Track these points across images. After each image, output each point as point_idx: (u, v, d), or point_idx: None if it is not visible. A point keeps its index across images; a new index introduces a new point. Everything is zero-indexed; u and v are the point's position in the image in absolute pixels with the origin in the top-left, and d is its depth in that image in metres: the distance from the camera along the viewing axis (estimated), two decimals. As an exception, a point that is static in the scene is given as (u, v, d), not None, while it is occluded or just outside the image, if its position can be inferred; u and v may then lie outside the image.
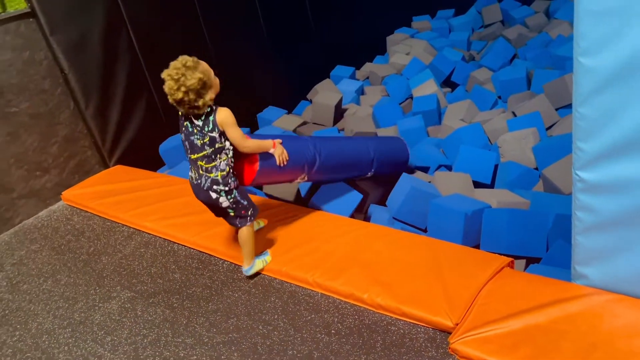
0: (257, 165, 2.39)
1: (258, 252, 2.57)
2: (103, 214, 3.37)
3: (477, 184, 3.33)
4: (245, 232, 2.43)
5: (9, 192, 3.41)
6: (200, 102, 2.13)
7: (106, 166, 3.97)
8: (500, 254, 2.36)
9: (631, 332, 1.81)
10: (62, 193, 3.66)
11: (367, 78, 5.69)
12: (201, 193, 2.33)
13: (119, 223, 3.25)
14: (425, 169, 3.60)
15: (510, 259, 2.30)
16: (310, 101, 5.29)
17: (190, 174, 2.36)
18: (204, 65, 2.17)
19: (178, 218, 3.06)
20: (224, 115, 2.20)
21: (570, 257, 2.09)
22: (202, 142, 2.21)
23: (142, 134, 4.10)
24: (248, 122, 4.84)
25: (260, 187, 3.48)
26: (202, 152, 2.22)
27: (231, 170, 2.30)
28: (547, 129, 3.73)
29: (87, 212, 3.47)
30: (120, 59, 3.94)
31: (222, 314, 2.35)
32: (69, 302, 2.64)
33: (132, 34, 3.99)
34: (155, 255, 2.88)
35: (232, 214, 2.38)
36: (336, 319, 2.21)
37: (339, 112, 4.77)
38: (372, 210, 3.17)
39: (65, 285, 2.77)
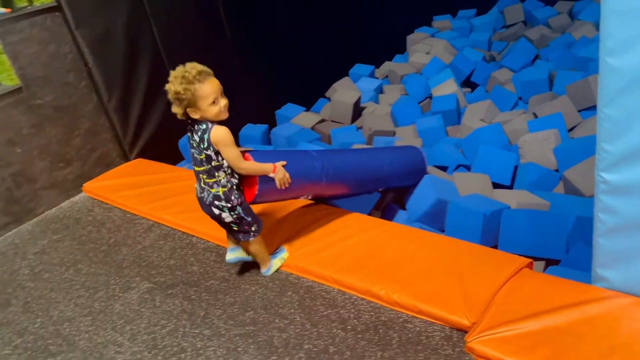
0: (255, 189, 2.27)
1: (273, 250, 2.57)
2: (123, 206, 3.42)
3: (496, 185, 3.31)
4: (253, 247, 2.40)
5: (32, 182, 3.48)
6: (173, 109, 2.07)
7: (127, 159, 4.03)
8: (519, 255, 2.35)
9: (652, 336, 1.79)
10: (84, 185, 3.72)
11: (386, 77, 5.68)
12: (205, 207, 2.27)
13: (138, 215, 3.30)
14: (443, 169, 3.58)
15: (530, 260, 2.29)
16: (329, 99, 5.30)
17: (195, 185, 2.30)
18: (201, 86, 2.02)
19: (197, 211, 3.03)
20: (218, 135, 2.08)
21: (590, 259, 2.07)
22: (200, 157, 2.14)
23: (162, 129, 4.14)
24: (266, 118, 4.88)
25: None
26: (202, 166, 2.17)
27: (233, 187, 2.20)
28: (569, 130, 3.68)
29: (107, 204, 3.52)
30: (142, 53, 3.99)
31: (239, 306, 2.38)
32: (89, 291, 2.68)
33: (154, 29, 4.04)
34: (174, 247, 2.91)
35: (235, 228, 2.32)
36: (352, 315, 2.22)
37: (357, 110, 4.78)
38: (389, 208, 3.18)
39: (86, 275, 2.82)
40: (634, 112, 1.69)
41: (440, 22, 6.67)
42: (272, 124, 4.95)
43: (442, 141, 3.95)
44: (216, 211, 2.23)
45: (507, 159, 3.33)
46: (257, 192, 2.27)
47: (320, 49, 5.54)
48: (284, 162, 2.33)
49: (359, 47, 5.92)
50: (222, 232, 2.85)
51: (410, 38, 6.33)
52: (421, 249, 2.46)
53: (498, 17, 6.48)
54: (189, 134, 2.17)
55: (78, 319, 2.50)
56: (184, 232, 3.03)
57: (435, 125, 4.14)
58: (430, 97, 4.88)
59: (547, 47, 5.30)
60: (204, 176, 2.17)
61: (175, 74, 2.04)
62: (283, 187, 2.32)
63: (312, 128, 4.65)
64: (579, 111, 3.79)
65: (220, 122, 2.13)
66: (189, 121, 2.13)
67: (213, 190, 2.18)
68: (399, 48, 6.33)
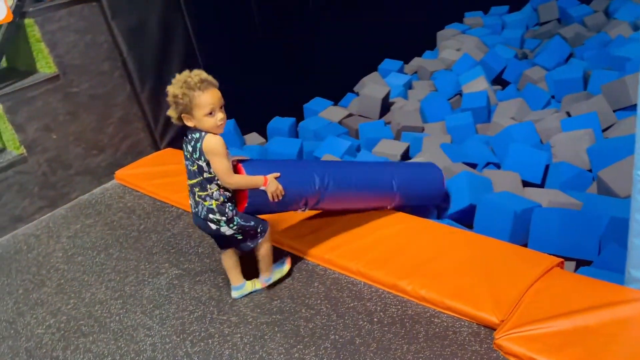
0: (245, 203, 2.16)
1: (276, 259, 2.45)
2: (153, 194, 3.48)
3: (526, 184, 3.26)
4: (263, 249, 2.29)
5: (67, 168, 3.57)
6: (169, 112, 2.03)
7: (157, 148, 4.09)
8: (549, 255, 2.32)
9: (687, 340, 1.75)
10: (115, 172, 3.80)
11: (416, 73, 5.64)
12: (200, 222, 2.17)
13: (168, 203, 3.35)
14: (472, 166, 3.55)
15: (561, 259, 2.25)
16: (357, 94, 5.29)
17: (189, 200, 2.21)
18: (200, 94, 1.95)
19: (225, 201, 3.12)
20: (211, 144, 1.99)
21: (623, 261, 2.04)
22: (192, 169, 2.07)
23: (193, 119, 4.19)
24: (294, 112, 4.89)
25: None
26: (194, 178, 2.09)
27: (226, 200, 2.11)
28: (604, 130, 3.61)
29: (138, 191, 3.59)
30: (175, 45, 4.04)
31: (266, 295, 2.40)
32: (120, 275, 2.75)
33: (187, 21, 4.08)
34: (203, 235, 2.95)
35: (239, 237, 2.22)
36: (379, 308, 2.22)
37: (385, 106, 4.76)
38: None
39: (117, 260, 2.88)
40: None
41: (472, 18, 6.60)
42: (300, 117, 4.97)
43: (472, 138, 3.91)
44: (213, 226, 2.13)
45: (539, 158, 3.28)
46: (246, 205, 2.16)
47: (349, 44, 5.53)
48: (277, 174, 2.20)
49: (388, 43, 5.89)
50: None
51: (440, 34, 6.28)
52: (450, 246, 2.44)
53: (532, 14, 6.38)
54: (183, 145, 2.09)
55: (109, 302, 2.56)
56: (212, 221, 3.07)
57: (465, 122, 4.10)
58: (460, 94, 4.83)
59: (582, 45, 5.20)
60: (197, 189, 2.09)
61: (179, 77, 1.99)
62: (276, 200, 2.20)
63: (340, 122, 4.65)
64: (614, 111, 3.71)
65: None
66: (185, 131, 2.06)
67: (206, 204, 2.09)
68: (429, 44, 6.29)
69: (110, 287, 2.66)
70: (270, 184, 2.16)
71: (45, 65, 3.43)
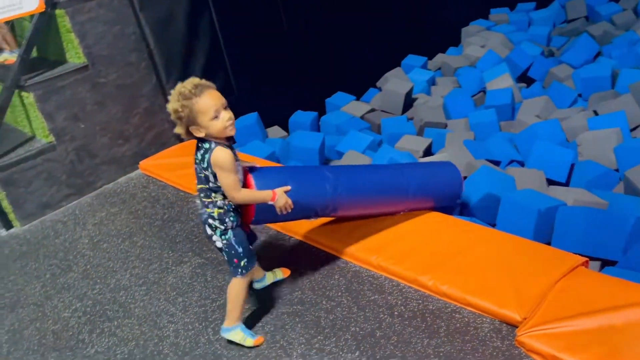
0: (253, 213, 2.09)
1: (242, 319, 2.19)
2: (177, 184, 3.53)
3: (550, 183, 3.23)
4: (231, 287, 2.10)
5: (93, 157, 3.64)
6: (176, 129, 1.95)
7: (181, 140, 4.12)
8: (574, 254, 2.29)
9: None
10: (140, 162, 3.85)
11: (439, 69, 5.61)
12: (203, 225, 2.09)
13: (191, 194, 3.40)
14: (496, 163, 3.52)
15: (585, 258, 2.23)
16: (379, 89, 5.28)
17: (197, 200, 2.13)
18: (198, 100, 1.85)
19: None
20: (219, 158, 1.90)
21: (650, 261, 2.01)
22: (200, 175, 2.00)
23: (216, 112, 4.23)
24: (317, 106, 4.90)
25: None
26: (201, 184, 2.01)
27: (230, 210, 2.02)
28: (632, 130, 3.54)
29: (162, 181, 3.64)
30: (201, 38, 4.09)
31: (287, 286, 2.42)
32: (144, 262, 2.79)
33: (213, 14, 4.12)
34: (225, 226, 2.99)
35: (225, 257, 2.09)
36: (399, 302, 2.22)
37: (408, 101, 4.74)
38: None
39: (141, 247, 2.93)
40: None
41: (498, 15, 6.52)
42: (322, 112, 4.97)
43: (496, 135, 3.87)
44: (209, 231, 2.05)
45: (564, 156, 3.24)
46: (253, 218, 2.09)
47: (373, 39, 5.52)
48: (287, 188, 2.10)
49: (412, 38, 5.86)
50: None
51: (465, 30, 6.23)
52: (472, 242, 2.43)
53: (559, 11, 6.28)
54: (195, 148, 2.00)
55: (133, 288, 2.61)
56: (234, 212, 3.10)
57: (489, 119, 4.07)
58: (484, 90, 4.79)
59: (610, 43, 5.11)
60: (202, 195, 2.02)
61: (174, 91, 1.90)
62: (284, 213, 2.11)
63: (362, 117, 4.65)
64: (643, 110, 3.64)
65: (229, 139, 1.98)
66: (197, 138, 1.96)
67: (208, 210, 2.01)
68: (453, 40, 6.23)
69: (135, 274, 2.71)
70: (279, 199, 2.05)
71: (75, 55, 3.50)
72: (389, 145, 3.97)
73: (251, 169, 2.12)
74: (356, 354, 2.00)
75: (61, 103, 3.41)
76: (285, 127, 4.63)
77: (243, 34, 4.30)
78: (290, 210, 2.12)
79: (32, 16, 3.30)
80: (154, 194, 3.50)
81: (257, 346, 2.12)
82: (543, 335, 1.86)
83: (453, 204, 2.94)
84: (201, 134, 1.90)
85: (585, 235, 2.54)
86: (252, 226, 2.24)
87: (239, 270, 2.06)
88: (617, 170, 3.22)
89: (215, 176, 1.94)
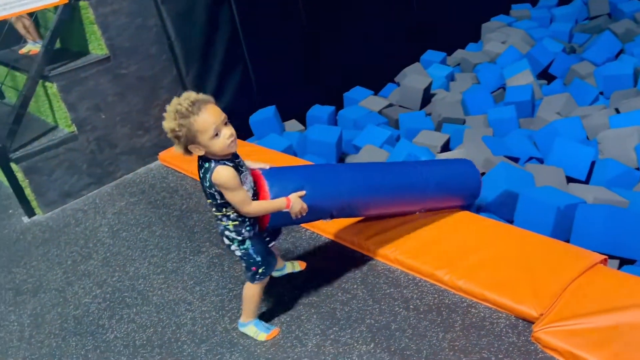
0: (267, 222, 2.03)
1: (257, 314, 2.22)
2: (195, 175, 3.55)
3: (570, 180, 3.20)
4: (247, 288, 2.11)
5: (113, 147, 3.69)
6: (175, 148, 1.83)
7: (199, 132, 4.17)
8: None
9: None
10: (159, 153, 3.90)
11: (458, 65, 5.57)
12: (220, 236, 2.05)
13: (209, 185, 3.43)
14: (514, 160, 3.49)
15: (604, 256, 2.21)
16: (397, 84, 5.27)
17: None
18: (196, 118, 1.71)
19: (265, 185, 3.17)
20: (220, 179, 1.79)
21: (671, 261, 1.98)
22: (206, 192, 1.90)
23: (235, 105, 4.26)
24: (334, 101, 4.90)
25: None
26: (210, 199, 1.92)
27: (245, 219, 1.95)
28: (654, 128, 3.49)
29: (180, 172, 3.69)
30: (220, 31, 4.11)
31: (304, 277, 2.44)
32: (162, 251, 2.84)
33: (234, 7, 4.14)
34: (242, 217, 3.02)
35: (244, 265, 2.07)
36: (415, 296, 2.23)
37: (426, 97, 4.72)
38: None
39: (160, 237, 2.97)
40: None
41: (519, 11, 6.45)
42: (340, 105, 4.97)
43: (515, 132, 3.84)
44: (227, 241, 2.01)
45: (585, 153, 3.20)
46: (268, 223, 2.03)
47: (392, 34, 5.49)
48: (302, 193, 2.01)
49: (431, 34, 5.82)
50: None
51: (485, 26, 6.17)
52: (490, 238, 2.42)
53: (581, 8, 6.19)
54: (198, 167, 1.91)
55: (152, 277, 2.66)
56: (252, 204, 3.13)
57: (508, 116, 4.03)
58: (504, 87, 4.75)
59: (632, 41, 5.03)
60: (213, 209, 1.95)
61: (169, 108, 1.75)
62: (299, 217, 2.05)
63: (380, 112, 4.64)
64: (666, 109, 3.59)
65: (230, 155, 1.85)
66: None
67: (223, 223, 1.96)
68: (473, 36, 6.18)
69: (153, 263, 2.76)
70: (294, 206, 1.98)
71: (97, 46, 3.55)
72: (407, 140, 3.96)
73: (265, 173, 2.01)
74: (371, 346, 2.01)
75: (83, 93, 3.47)
76: (302, 121, 4.65)
77: (262, 28, 4.32)
78: (305, 214, 2.04)
79: (56, 7, 3.35)
80: (172, 185, 3.54)
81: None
82: (560, 331, 1.85)
83: (472, 202, 2.89)
84: (201, 153, 1.79)
85: (605, 234, 2.52)
86: None
87: (257, 277, 2.05)
88: (637, 168, 3.18)
89: (221, 194, 1.85)
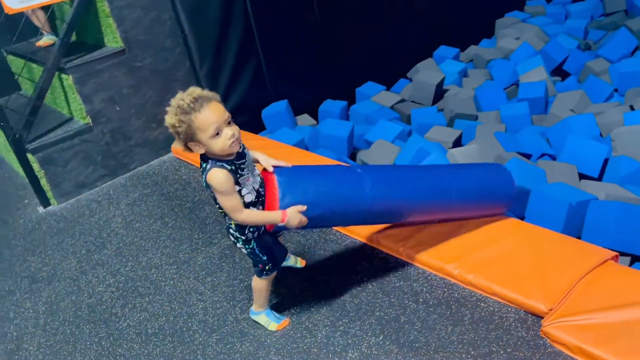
0: (270, 228, 1.96)
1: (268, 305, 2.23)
2: (207, 168, 3.60)
3: (582, 177, 3.18)
4: (256, 282, 2.11)
5: (127, 140, 3.74)
6: (175, 144, 1.78)
7: (212, 125, 4.20)
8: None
9: None
10: (172, 146, 3.94)
11: (471, 61, 5.54)
12: (226, 233, 2.04)
13: (221, 178, 3.46)
14: (527, 157, 3.48)
15: (616, 253, 2.20)
16: (410, 80, 5.25)
17: None
18: (197, 115, 1.65)
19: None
20: (213, 182, 1.73)
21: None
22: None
23: (247, 98, 4.28)
24: (347, 95, 4.91)
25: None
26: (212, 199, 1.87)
27: None
28: (669, 126, 3.45)
29: (193, 165, 3.72)
30: (234, 25, 4.12)
31: (314, 270, 2.46)
32: (175, 242, 2.87)
33: (247, 2, 4.15)
34: (254, 210, 3.04)
35: (251, 261, 2.05)
36: (425, 289, 2.24)
37: (439, 93, 4.71)
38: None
39: (172, 228, 3.01)
40: None
41: (534, 7, 6.39)
42: (352, 101, 4.98)
43: (527, 128, 3.82)
44: (232, 238, 1.98)
45: (598, 150, 3.18)
46: (272, 230, 1.95)
47: (404, 29, 5.48)
48: (302, 207, 1.85)
49: (444, 29, 5.80)
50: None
51: (499, 22, 6.12)
52: (500, 233, 2.42)
53: (597, 4, 6.12)
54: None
55: (164, 267, 2.69)
56: (263, 197, 3.15)
57: (521, 112, 4.01)
58: (517, 83, 4.72)
59: (649, 38, 4.96)
60: (217, 206, 1.85)
61: (172, 102, 1.70)
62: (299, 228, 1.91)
63: (392, 107, 4.64)
64: (682, 106, 3.55)
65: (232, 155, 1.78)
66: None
67: (227, 220, 1.92)
68: (487, 32, 6.14)
69: (166, 253, 2.79)
70: (290, 220, 1.83)
71: (113, 39, 3.59)
72: (419, 135, 3.96)
73: (279, 179, 1.88)
74: (380, 338, 2.03)
75: (98, 86, 3.51)
76: (314, 116, 4.66)
77: (276, 22, 4.33)
78: (304, 226, 1.90)
79: (72, 0, 3.39)
80: (185, 177, 3.58)
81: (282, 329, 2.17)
82: (569, 326, 1.86)
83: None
84: (201, 151, 1.74)
85: (616, 231, 2.50)
86: None
87: (264, 272, 2.05)
88: (652, 166, 3.14)
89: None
